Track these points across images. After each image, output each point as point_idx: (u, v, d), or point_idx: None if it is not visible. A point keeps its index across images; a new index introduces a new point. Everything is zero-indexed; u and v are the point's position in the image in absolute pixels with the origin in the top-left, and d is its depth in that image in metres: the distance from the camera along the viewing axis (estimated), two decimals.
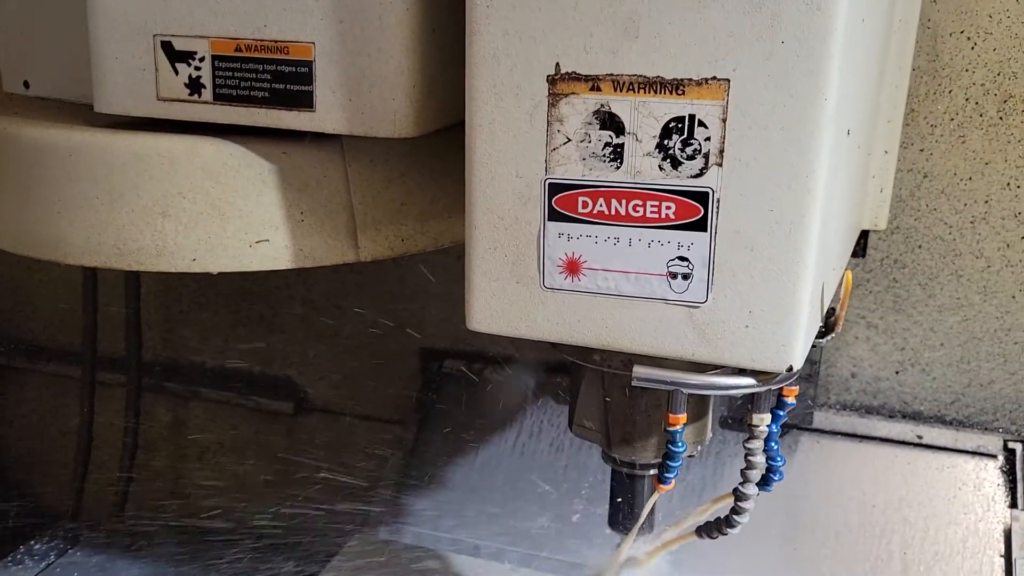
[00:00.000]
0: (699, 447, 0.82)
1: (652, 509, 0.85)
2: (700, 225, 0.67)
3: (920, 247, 1.31)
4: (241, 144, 0.84)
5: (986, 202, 1.27)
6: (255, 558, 1.35)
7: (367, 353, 1.65)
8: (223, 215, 0.85)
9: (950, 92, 1.24)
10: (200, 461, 1.78)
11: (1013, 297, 1.28)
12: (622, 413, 0.79)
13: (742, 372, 0.70)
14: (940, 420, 1.36)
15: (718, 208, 0.66)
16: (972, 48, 1.22)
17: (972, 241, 1.28)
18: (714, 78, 0.64)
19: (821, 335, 0.79)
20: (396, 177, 0.91)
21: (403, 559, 1.22)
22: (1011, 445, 1.30)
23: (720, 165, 0.66)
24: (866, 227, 1.15)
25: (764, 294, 0.66)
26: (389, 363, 1.62)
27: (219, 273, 1.74)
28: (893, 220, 1.30)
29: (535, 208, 0.71)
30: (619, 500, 0.84)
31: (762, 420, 0.73)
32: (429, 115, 0.83)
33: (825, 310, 0.77)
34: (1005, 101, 1.22)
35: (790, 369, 0.67)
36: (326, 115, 0.80)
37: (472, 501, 1.38)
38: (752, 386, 0.69)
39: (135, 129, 0.85)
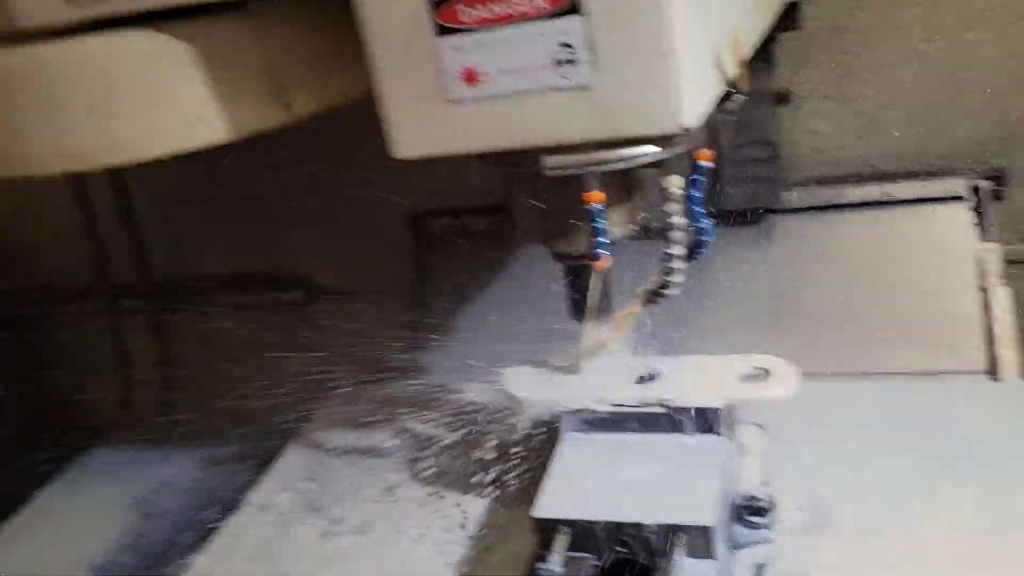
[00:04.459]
0: (631, 227, 0.87)
1: (607, 295, 0.91)
2: (574, 9, 0.70)
3: (859, 8, 1.31)
4: (158, 30, 0.88)
5: None
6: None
7: (359, 227, 1.70)
8: (157, 104, 0.90)
9: None
10: (234, 363, 1.89)
11: (960, 36, 1.28)
12: (551, 208, 0.84)
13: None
14: (907, 176, 1.38)
15: None
16: None
17: None
18: None
19: (730, 97, 0.82)
20: (313, 30, 0.94)
21: None
22: (977, 184, 1.33)
23: None
24: None
25: (643, 64, 0.70)
26: (379, 233, 1.69)
27: (208, 180, 1.81)
28: None
29: (425, 27, 0.74)
30: (573, 293, 0.90)
31: (670, 183, 0.77)
32: None
33: (729, 71, 0.80)
34: None
35: (685, 129, 0.71)
36: None
37: None
38: (655, 153, 0.74)
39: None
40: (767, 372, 0.90)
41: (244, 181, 1.76)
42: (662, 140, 0.74)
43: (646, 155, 0.74)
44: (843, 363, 1.30)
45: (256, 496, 1.15)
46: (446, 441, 1.10)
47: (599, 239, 0.79)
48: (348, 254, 1.75)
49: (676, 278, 0.83)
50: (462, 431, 1.09)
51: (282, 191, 1.74)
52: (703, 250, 0.85)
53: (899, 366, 1.27)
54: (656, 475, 0.83)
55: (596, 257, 0.80)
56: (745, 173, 1.38)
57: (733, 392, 0.87)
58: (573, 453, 0.89)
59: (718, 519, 0.79)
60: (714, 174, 1.41)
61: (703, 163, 0.81)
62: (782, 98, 1.37)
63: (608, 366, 0.94)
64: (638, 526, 0.79)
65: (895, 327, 1.30)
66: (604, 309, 0.91)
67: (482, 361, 1.46)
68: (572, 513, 0.80)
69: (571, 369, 0.94)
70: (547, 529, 0.81)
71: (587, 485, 0.84)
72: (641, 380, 0.91)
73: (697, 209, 0.82)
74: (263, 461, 1.32)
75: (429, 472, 1.09)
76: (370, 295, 1.73)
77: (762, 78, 1.33)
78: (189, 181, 1.79)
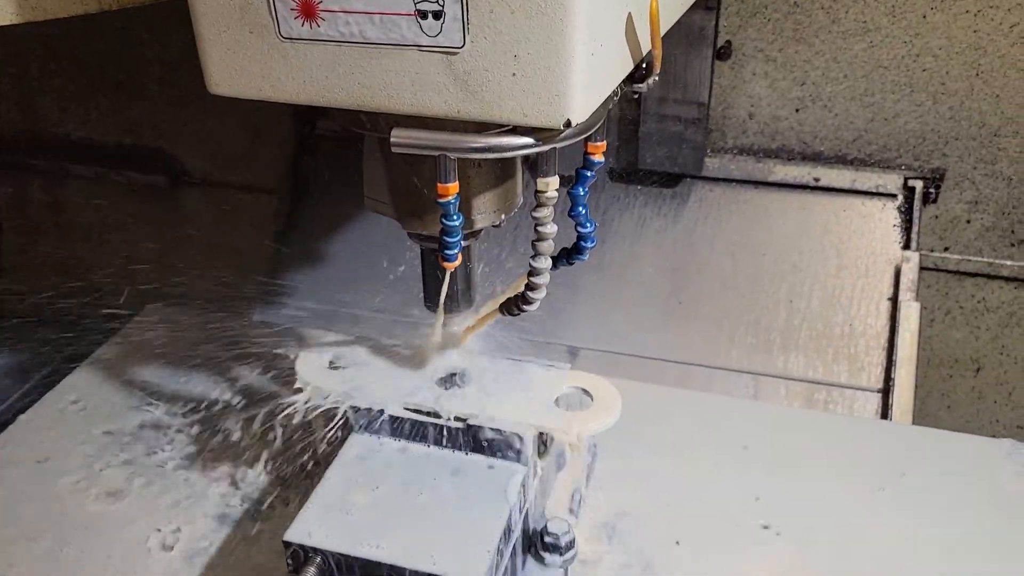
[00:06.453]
0: (503, 216, 0.71)
1: (469, 284, 0.77)
2: None
3: None
4: None
5: None
6: None
7: (238, 114, 1.50)
8: None
9: None
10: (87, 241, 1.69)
11: (924, 17, 1.14)
12: (406, 183, 0.68)
13: (521, 130, 0.58)
14: (841, 160, 1.26)
15: None
16: None
17: None
18: None
19: (640, 79, 0.66)
20: None
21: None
22: (911, 183, 1.22)
23: None
24: None
25: (529, 32, 0.53)
26: (260, 123, 1.49)
27: (68, 37, 1.56)
28: None
29: None
30: (429, 277, 0.75)
31: (548, 185, 0.62)
32: None
33: (642, 49, 0.64)
34: None
35: (568, 124, 0.55)
36: None
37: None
38: (530, 146, 0.58)
39: None
40: (590, 396, 0.77)
41: (111, 46, 1.53)
42: (542, 131, 0.58)
43: (520, 148, 0.58)
44: (732, 359, 1.20)
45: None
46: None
47: (449, 237, 0.63)
48: (221, 141, 1.54)
49: (538, 294, 0.68)
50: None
51: (158, 63, 1.52)
52: (582, 256, 0.71)
53: (789, 371, 1.18)
54: (436, 507, 0.71)
55: (446, 258, 0.65)
56: (668, 132, 1.23)
57: (544, 420, 0.74)
58: (350, 464, 0.75)
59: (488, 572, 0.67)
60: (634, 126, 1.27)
61: (595, 158, 0.66)
62: (723, 52, 1.21)
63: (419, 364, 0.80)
64: (398, 569, 0.67)
65: (795, 328, 1.20)
66: (465, 300, 0.77)
67: (342, 293, 1.31)
68: (325, 543, 0.68)
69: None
70: (298, 554, 0.69)
71: (354, 508, 0.70)
72: (447, 384, 0.77)
73: (581, 210, 0.67)
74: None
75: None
76: (238, 191, 1.54)
77: (704, 26, 1.17)
78: (43, 32, 1.55)
